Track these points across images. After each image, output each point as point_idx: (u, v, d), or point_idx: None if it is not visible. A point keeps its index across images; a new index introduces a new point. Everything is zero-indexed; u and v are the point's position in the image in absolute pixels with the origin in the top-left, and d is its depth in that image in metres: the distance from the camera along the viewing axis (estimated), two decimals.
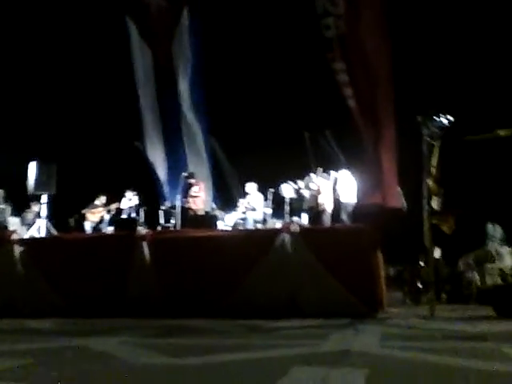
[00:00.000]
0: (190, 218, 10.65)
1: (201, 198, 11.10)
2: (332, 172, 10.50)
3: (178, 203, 11.69)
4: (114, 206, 12.37)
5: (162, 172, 13.25)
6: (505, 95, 16.44)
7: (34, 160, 11.78)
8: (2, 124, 15.08)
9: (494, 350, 5.03)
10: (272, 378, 3.68)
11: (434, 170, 9.15)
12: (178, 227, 10.65)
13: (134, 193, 11.61)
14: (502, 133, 9.34)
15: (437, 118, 9.31)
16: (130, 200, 11.45)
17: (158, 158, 13.65)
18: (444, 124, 9.28)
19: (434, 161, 9.19)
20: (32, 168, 11.69)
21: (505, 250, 13.48)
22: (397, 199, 14.00)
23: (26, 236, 10.91)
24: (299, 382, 3.74)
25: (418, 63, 16.52)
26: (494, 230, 16.79)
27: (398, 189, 14.39)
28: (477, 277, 12.67)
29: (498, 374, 3.91)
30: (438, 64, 16.83)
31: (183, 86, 13.53)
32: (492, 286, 10.28)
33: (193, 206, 10.96)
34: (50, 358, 4.89)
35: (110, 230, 11.01)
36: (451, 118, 9.25)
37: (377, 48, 13.67)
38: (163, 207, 11.82)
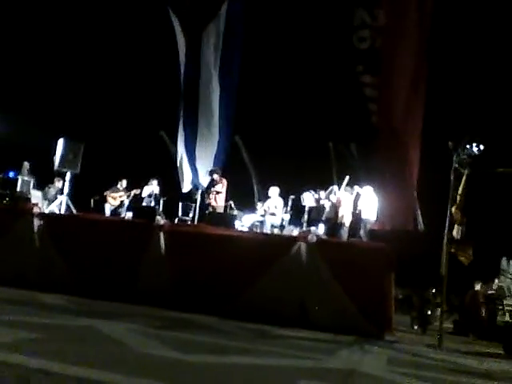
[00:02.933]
0: (208, 214, 10.68)
1: (223, 195, 11.13)
2: (356, 187, 10.44)
3: (198, 197, 11.71)
4: (134, 192, 12.44)
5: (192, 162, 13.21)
6: None
7: (62, 137, 11.88)
8: (36, 99, 15.27)
9: None
10: None
11: (459, 198, 9.04)
12: (196, 221, 10.68)
13: (157, 182, 11.66)
14: None
15: (468, 146, 9.20)
16: (153, 188, 11.49)
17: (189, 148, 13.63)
18: (474, 153, 9.17)
19: (461, 189, 9.07)
20: (60, 144, 11.79)
21: None
22: (414, 222, 13.86)
23: (47, 210, 11.01)
24: None
25: (452, 89, 16.37)
26: (509, 266, 16.54)
27: (418, 211, 14.28)
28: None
29: None
30: (474, 92, 16.66)
31: (214, 81, 13.56)
32: (503, 324, 10.13)
33: (213, 203, 10.99)
34: (62, 334, 4.96)
35: (128, 215, 11.08)
36: (482, 148, 9.13)
37: (412, 66, 13.44)
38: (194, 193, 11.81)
